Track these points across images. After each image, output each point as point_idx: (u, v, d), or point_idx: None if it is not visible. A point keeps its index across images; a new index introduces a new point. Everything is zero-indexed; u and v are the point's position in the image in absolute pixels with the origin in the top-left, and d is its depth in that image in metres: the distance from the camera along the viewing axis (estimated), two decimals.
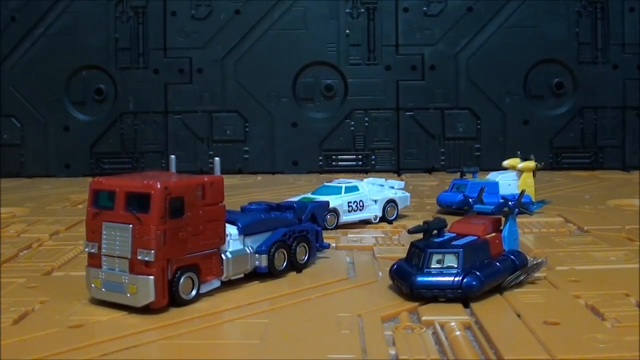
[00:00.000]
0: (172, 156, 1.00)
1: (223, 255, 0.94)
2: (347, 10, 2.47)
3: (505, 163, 1.60)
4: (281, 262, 1.03)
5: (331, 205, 1.34)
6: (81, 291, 0.96)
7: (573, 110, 2.48)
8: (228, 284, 0.96)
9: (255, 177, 2.39)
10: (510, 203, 1.00)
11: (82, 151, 2.48)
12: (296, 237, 1.05)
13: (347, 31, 2.47)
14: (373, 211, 1.42)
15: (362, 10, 2.47)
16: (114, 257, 0.86)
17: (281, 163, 2.49)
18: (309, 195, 1.42)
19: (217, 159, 1.00)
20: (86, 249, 0.90)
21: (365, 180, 1.51)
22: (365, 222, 1.42)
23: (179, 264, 0.87)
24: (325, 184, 1.47)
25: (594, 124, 2.48)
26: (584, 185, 2.05)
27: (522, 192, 1.10)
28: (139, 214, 0.84)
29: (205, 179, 0.92)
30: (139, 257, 0.84)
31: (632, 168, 2.44)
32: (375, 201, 1.43)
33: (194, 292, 0.90)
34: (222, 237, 0.94)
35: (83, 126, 2.50)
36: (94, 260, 0.89)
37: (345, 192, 1.40)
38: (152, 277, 0.84)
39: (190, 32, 2.48)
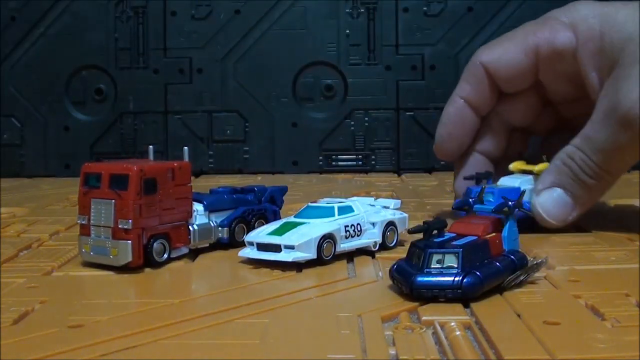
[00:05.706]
0: (151, 146, 1.21)
1: (190, 227, 1.12)
2: (347, 10, 2.47)
3: (511, 166, 1.51)
4: (241, 235, 1.17)
5: (327, 231, 1.08)
6: (81, 291, 0.96)
7: None
8: (228, 284, 0.97)
9: (255, 177, 2.39)
10: (510, 203, 1.00)
11: (82, 151, 2.48)
12: (255, 214, 1.22)
13: (347, 31, 2.47)
14: (372, 236, 1.16)
15: (362, 10, 2.47)
16: (100, 226, 1.04)
17: (281, 163, 2.50)
18: (292, 219, 1.14)
19: (185, 148, 1.16)
20: (78, 221, 1.07)
21: (351, 199, 1.23)
22: (363, 251, 1.16)
23: (152, 232, 1.05)
24: (310, 204, 1.18)
25: None
26: None
27: (523, 192, 1.10)
28: (120, 191, 1.02)
29: (175, 164, 1.09)
30: (119, 226, 1.02)
31: (632, 168, 2.43)
32: (374, 224, 1.16)
33: (165, 256, 1.07)
34: (189, 211, 1.11)
35: (83, 126, 2.50)
36: (85, 230, 1.06)
37: (339, 214, 1.13)
38: (130, 241, 1.02)
39: (190, 32, 2.48)
